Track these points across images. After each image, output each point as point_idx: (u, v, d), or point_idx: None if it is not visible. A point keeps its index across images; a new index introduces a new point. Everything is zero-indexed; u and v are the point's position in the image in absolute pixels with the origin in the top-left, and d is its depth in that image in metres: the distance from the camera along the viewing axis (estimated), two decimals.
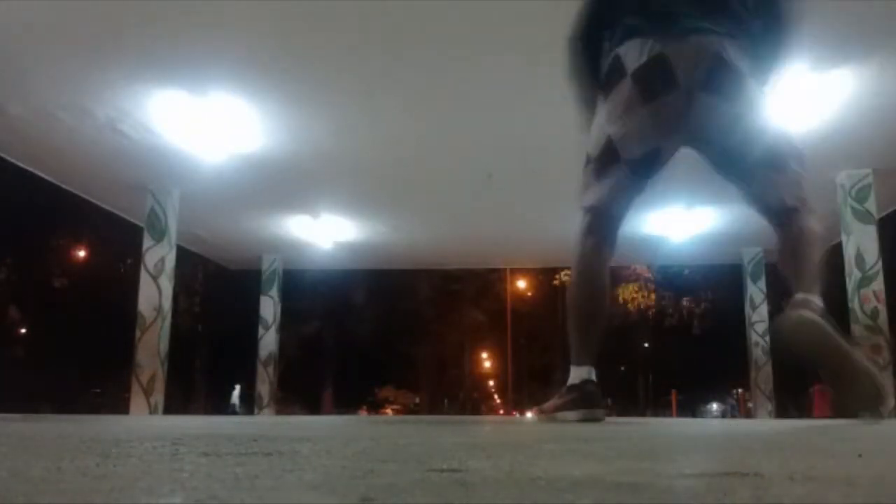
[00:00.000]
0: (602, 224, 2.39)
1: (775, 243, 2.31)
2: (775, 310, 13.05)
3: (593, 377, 2.37)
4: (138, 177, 6.95)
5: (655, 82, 2.26)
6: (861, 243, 6.49)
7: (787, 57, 2.47)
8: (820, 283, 2.17)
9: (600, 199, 2.37)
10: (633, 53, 2.30)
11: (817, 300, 2.07)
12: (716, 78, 2.23)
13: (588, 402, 2.31)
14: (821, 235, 2.30)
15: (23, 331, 22.94)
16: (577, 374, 2.36)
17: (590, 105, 2.53)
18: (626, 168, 2.32)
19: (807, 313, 2.00)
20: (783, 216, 2.28)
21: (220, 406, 22.94)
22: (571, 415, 2.29)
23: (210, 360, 22.46)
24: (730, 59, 2.23)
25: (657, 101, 2.27)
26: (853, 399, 1.97)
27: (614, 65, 2.35)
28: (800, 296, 2.08)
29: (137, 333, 6.98)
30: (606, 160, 2.34)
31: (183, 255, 8.44)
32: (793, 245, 2.25)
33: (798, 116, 5.48)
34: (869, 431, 1.77)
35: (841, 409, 2.15)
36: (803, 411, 18.83)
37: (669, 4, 2.31)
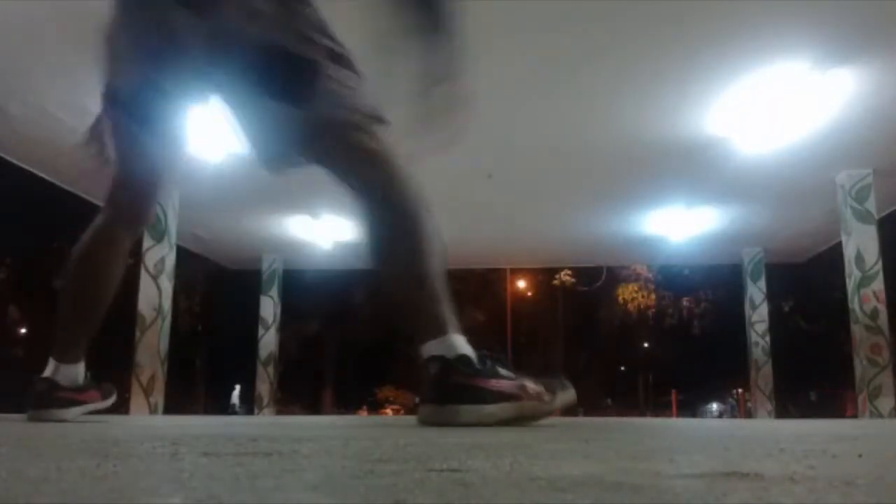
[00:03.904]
0: (117, 194, 2.02)
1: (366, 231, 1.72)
2: (775, 310, 13.07)
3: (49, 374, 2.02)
4: None
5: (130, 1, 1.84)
6: (861, 243, 6.49)
7: None
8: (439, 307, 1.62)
9: (115, 169, 1.99)
10: None
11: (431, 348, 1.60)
12: None
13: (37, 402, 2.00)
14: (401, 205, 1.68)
15: (23, 331, 22.94)
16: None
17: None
18: (123, 113, 1.92)
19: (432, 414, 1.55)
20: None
21: (220, 406, 22.94)
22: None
23: (210, 360, 22.47)
24: None
25: (136, 23, 1.83)
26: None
27: None
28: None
29: (137, 333, 6.98)
30: (107, 106, 1.95)
31: (183, 255, 8.44)
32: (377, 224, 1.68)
33: (798, 116, 5.49)
34: (869, 431, 1.77)
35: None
36: (804, 411, 18.82)
37: None
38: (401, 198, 1.70)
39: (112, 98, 1.91)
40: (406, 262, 1.66)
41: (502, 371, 1.61)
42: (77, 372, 2.07)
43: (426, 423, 1.57)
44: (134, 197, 2.03)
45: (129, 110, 1.89)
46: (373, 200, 1.70)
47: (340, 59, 1.78)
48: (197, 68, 1.80)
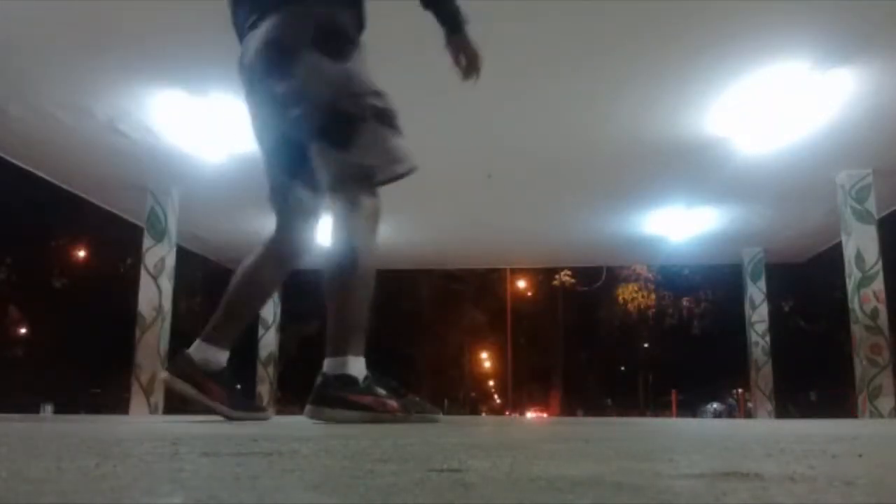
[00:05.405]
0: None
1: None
2: (775, 310, 13.07)
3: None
4: (138, 177, 6.95)
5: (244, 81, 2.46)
6: (861, 243, 6.49)
7: None
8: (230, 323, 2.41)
9: None
10: None
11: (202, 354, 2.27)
12: (266, 61, 2.28)
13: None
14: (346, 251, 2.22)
15: (23, 331, 22.94)
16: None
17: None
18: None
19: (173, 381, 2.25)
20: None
21: None
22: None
23: None
24: (279, 37, 2.24)
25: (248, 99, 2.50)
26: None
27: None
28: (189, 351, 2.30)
29: (137, 333, 6.98)
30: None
31: (183, 255, 8.44)
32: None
33: (798, 116, 5.49)
34: (869, 431, 1.77)
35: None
36: (804, 411, 18.83)
37: (234, 16, 2.43)
38: (363, 250, 2.23)
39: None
40: (344, 296, 2.15)
41: (377, 389, 2.05)
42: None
43: (306, 415, 2.04)
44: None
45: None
46: (342, 245, 2.20)
47: (383, 116, 2.26)
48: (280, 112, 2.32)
